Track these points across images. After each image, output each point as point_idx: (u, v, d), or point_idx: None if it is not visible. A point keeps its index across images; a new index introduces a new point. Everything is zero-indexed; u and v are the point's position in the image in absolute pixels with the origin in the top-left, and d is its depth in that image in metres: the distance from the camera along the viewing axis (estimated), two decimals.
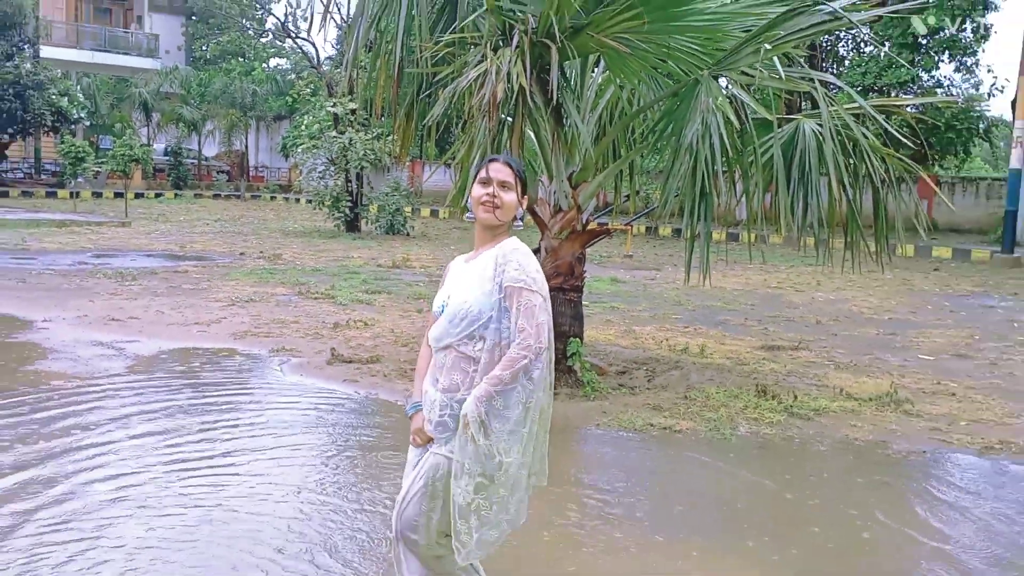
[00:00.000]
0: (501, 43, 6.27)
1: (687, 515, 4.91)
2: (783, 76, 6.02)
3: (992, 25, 24.77)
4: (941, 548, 4.58)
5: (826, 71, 27.55)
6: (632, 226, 19.33)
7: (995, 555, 4.52)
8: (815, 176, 6.93)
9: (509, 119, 6.50)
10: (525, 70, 6.01)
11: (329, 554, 4.16)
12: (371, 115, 7.16)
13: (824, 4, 6.47)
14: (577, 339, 7.48)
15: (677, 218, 7.19)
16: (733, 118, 5.98)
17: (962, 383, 8.21)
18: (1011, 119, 22.64)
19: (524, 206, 3.23)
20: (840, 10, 6.43)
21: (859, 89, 23.17)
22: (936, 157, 26.55)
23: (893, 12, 10.17)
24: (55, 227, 20.40)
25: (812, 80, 6.46)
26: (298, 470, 5.36)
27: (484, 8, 6.31)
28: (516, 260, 3.03)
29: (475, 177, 3.17)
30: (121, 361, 7.75)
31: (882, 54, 22.64)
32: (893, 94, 22.38)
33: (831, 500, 5.24)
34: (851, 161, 6.67)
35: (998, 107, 27.99)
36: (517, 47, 6.02)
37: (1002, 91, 26.41)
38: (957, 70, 25.31)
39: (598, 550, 4.37)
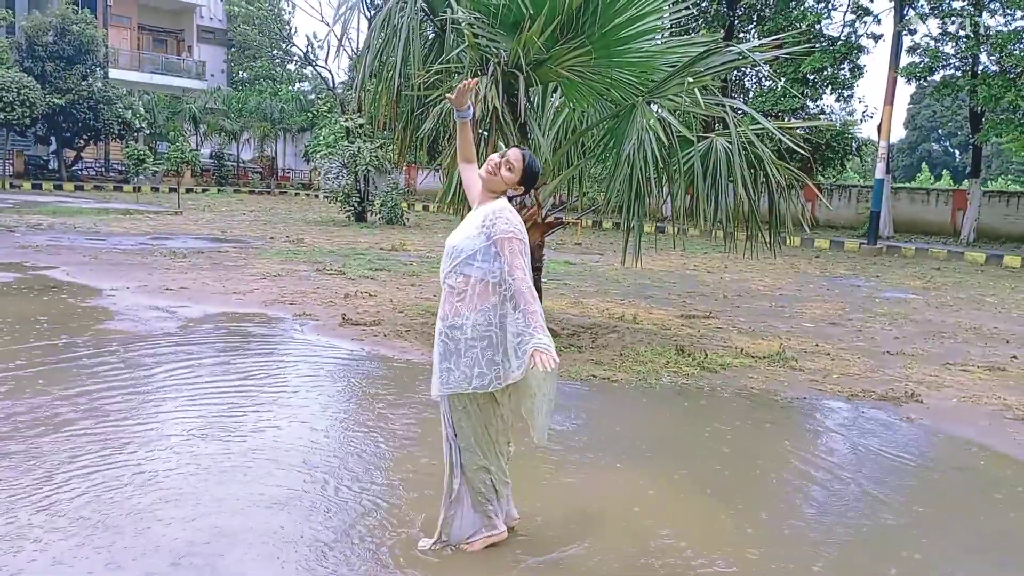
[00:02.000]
0: (479, 72, 6.22)
1: (620, 442, 4.94)
2: (702, 103, 6.00)
3: (865, 66, 24.89)
4: (808, 470, 4.64)
5: (735, 99, 27.68)
6: (582, 220, 19.28)
7: (850, 476, 4.59)
8: (724, 182, 6.95)
9: (485, 134, 6.46)
10: (498, 94, 5.98)
11: (340, 459, 4.16)
12: (375, 128, 7.02)
13: (733, 46, 6.48)
14: None
15: (617, 214, 7.21)
16: (662, 136, 5.98)
17: (835, 345, 8.30)
18: (877, 139, 22.82)
19: (519, 191, 3.23)
20: (746, 51, 6.45)
21: (759, 114, 23.25)
22: (819, 168, 26.74)
23: (787, 54, 10.19)
24: (120, 215, 20.04)
25: (724, 106, 6.46)
26: (316, 405, 5.34)
27: (466, 44, 6.25)
28: (504, 216, 3.05)
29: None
30: (174, 322, 7.64)
31: (778, 87, 22.63)
32: (786, 119, 22.42)
33: (728, 434, 5.28)
34: (752, 171, 6.68)
35: (868, 130, 28.07)
36: (492, 76, 5.98)
37: (871, 117, 26.63)
38: (837, 100, 25.46)
39: (554, 467, 4.39)
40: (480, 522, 3.29)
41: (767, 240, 7.36)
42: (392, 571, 3.16)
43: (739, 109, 6.72)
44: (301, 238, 16.66)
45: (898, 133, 54.96)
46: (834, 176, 28.45)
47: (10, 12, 29.81)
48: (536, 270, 7.59)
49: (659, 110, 6.36)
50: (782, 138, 6.60)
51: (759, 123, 6.68)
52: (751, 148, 6.86)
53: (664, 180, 6.96)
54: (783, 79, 22.01)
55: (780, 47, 10.10)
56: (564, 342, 7.65)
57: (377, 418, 5.11)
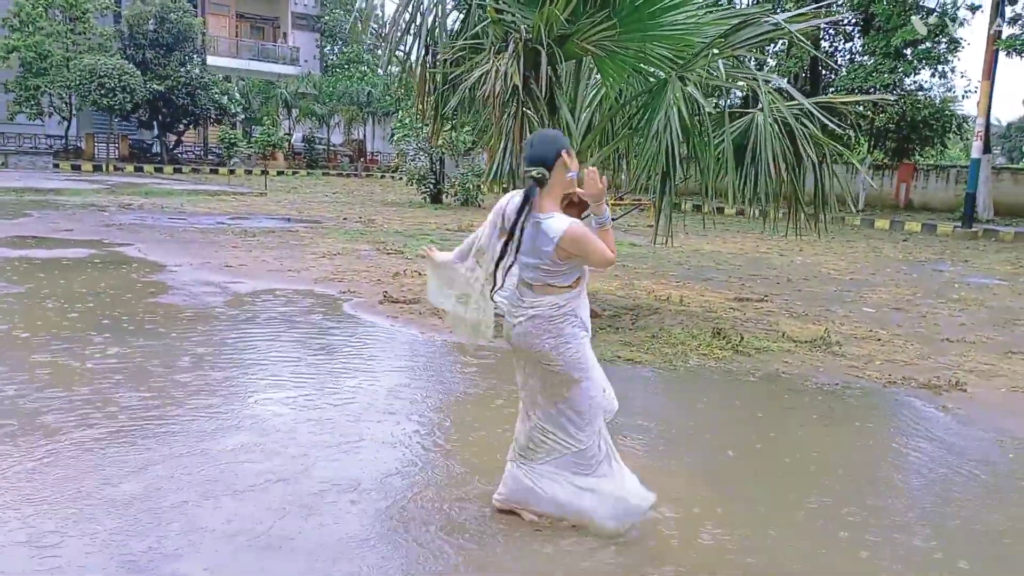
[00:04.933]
0: (503, 48, 6.19)
1: (627, 421, 4.87)
2: (723, 76, 5.79)
3: (963, 39, 23.45)
4: (818, 455, 4.47)
5: (824, 76, 26.57)
6: (651, 201, 18.97)
7: (853, 461, 4.39)
8: (764, 159, 6.71)
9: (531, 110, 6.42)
10: (519, 70, 5.93)
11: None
12: (417, 108, 7.09)
13: (768, 16, 6.23)
14: None
15: (695, 196, 7.08)
16: (684, 111, 5.82)
17: (890, 331, 7.92)
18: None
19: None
20: (783, 22, 6.19)
21: (849, 90, 22.27)
22: (916, 148, 25.44)
23: (830, 22, 9.67)
24: (208, 196, 20.91)
25: (756, 80, 6.23)
26: (326, 374, 5.46)
27: (488, 20, 6.23)
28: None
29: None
30: (221, 297, 7.94)
31: (869, 62, 21.60)
32: (877, 95, 21.40)
33: (742, 416, 5.14)
34: (790, 146, 6.41)
35: (972, 107, 26.47)
36: (512, 51, 5.94)
37: (973, 93, 25.07)
38: (933, 75, 24.05)
39: None
40: None
41: (808, 219, 7.06)
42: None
43: (773, 82, 6.44)
44: (373, 219, 17.00)
45: (1017, 111, 51.62)
46: (934, 156, 27.03)
47: (114, 2, 31.34)
48: None
49: (686, 85, 6.16)
50: (817, 113, 6.31)
51: (797, 99, 6.38)
52: (794, 123, 6.59)
53: (695, 156, 6.76)
54: (873, 54, 20.95)
55: (829, 14, 9.58)
56: (603, 323, 7.57)
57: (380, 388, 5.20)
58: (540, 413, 3.30)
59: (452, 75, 6.36)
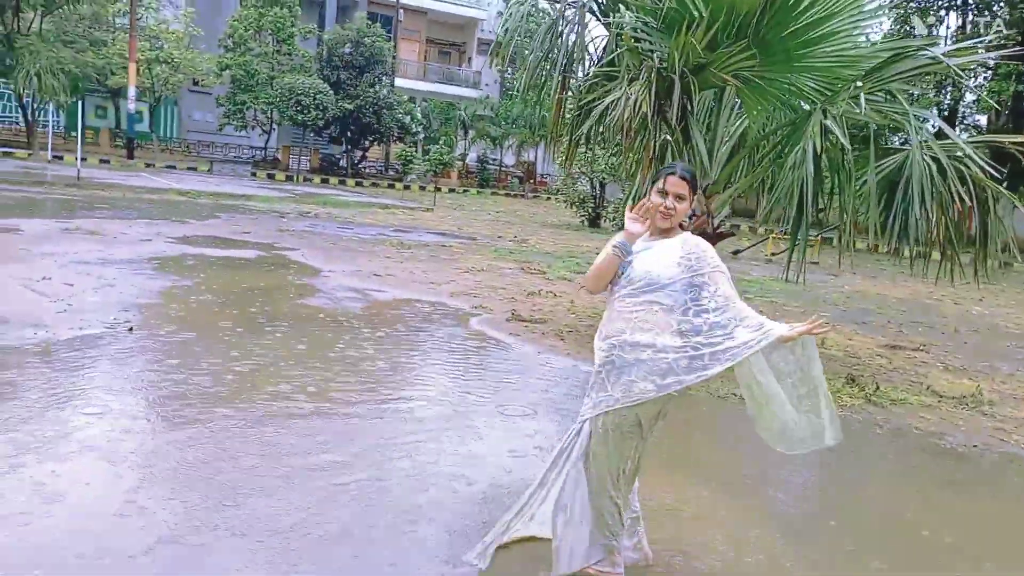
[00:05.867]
0: (637, 76, 6.18)
1: (718, 460, 4.70)
2: (863, 110, 5.47)
3: None
4: (928, 523, 4.10)
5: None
6: (816, 239, 18.08)
7: (970, 533, 3.99)
8: (917, 198, 6.27)
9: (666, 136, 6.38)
10: (649, 99, 5.90)
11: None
12: (549, 133, 7.20)
13: (927, 49, 5.85)
14: None
15: (867, 234, 6.76)
16: (818, 144, 5.56)
17: None
18: None
19: (694, 204, 3.12)
20: (940, 55, 5.79)
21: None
22: None
23: (998, 57, 8.81)
24: (380, 208, 22.06)
25: (907, 115, 5.84)
26: (436, 378, 5.64)
27: (625, 47, 6.24)
28: (709, 251, 3.02)
29: (653, 183, 3.09)
30: (361, 303, 8.38)
31: None
32: None
33: (852, 472, 4.81)
34: (940, 187, 5.95)
35: None
36: (644, 80, 5.92)
37: None
38: None
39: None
40: (597, 554, 3.10)
41: (964, 264, 6.53)
42: None
43: (925, 118, 6.01)
44: (527, 239, 17.30)
45: None
46: None
47: (316, 27, 33.90)
48: None
49: (828, 120, 5.87)
50: (969, 154, 5.82)
51: (951, 136, 5.92)
52: (950, 162, 6.13)
53: (833, 194, 6.43)
54: None
55: (1003, 47, 8.73)
56: None
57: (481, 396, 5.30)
58: None
59: (585, 102, 6.42)
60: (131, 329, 6.28)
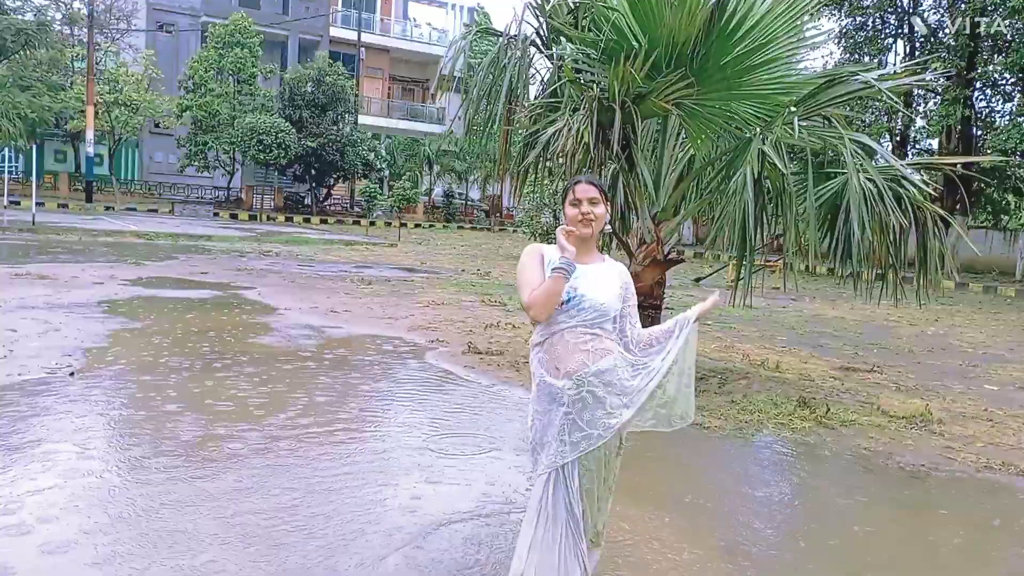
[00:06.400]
0: (579, 106, 6.23)
1: (662, 486, 4.67)
2: (795, 135, 5.57)
3: None
4: (875, 542, 4.09)
5: (976, 135, 25.01)
6: (777, 263, 18.32)
7: (914, 551, 3.99)
8: (857, 221, 6.37)
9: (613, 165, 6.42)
10: (591, 128, 5.95)
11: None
12: (494, 166, 7.24)
13: (859, 74, 5.98)
14: None
15: (825, 258, 6.92)
16: (756, 169, 5.64)
17: (1007, 411, 7.22)
18: None
19: (609, 213, 3.10)
20: (872, 80, 5.92)
21: (1003, 151, 20.86)
22: None
23: (919, 84, 9.08)
24: (343, 245, 21.99)
25: (843, 139, 5.95)
26: (389, 412, 5.56)
27: (566, 79, 6.31)
28: (632, 283, 3.17)
29: (564, 199, 3.07)
30: (316, 340, 8.29)
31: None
32: None
33: (793, 492, 4.80)
34: (878, 209, 6.06)
35: None
36: (584, 111, 5.98)
37: None
38: None
39: None
40: None
41: (898, 283, 6.63)
42: None
43: (862, 143, 6.13)
44: (489, 271, 17.31)
45: None
46: None
47: (278, 67, 34.01)
48: (655, 308, 7.36)
49: (767, 146, 5.96)
50: (905, 178, 5.94)
51: (888, 160, 6.04)
52: (885, 185, 6.24)
53: (778, 218, 6.51)
54: None
55: (925, 71, 9.00)
56: None
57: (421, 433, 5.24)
58: None
59: (530, 132, 6.47)
60: (72, 374, 6.14)
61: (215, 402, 5.69)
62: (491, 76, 6.80)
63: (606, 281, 3.03)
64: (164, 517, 3.72)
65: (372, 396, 6.38)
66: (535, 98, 6.87)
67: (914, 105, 24.93)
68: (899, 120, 24.04)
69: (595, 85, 6.12)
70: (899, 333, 12.49)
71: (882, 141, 25.62)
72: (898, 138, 25.62)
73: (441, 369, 7.38)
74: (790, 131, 5.79)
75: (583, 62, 6.46)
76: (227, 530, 3.63)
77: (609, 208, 3.07)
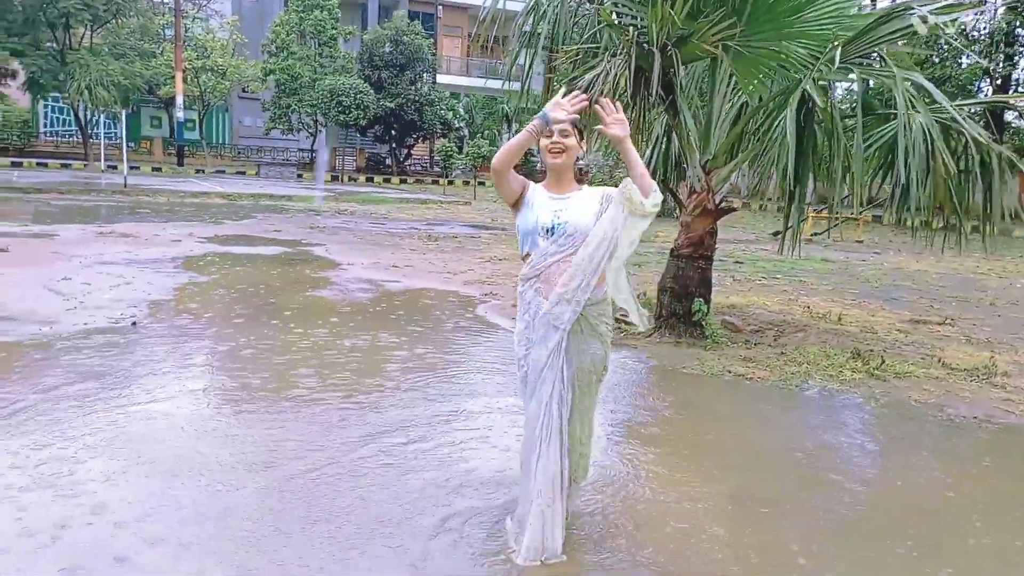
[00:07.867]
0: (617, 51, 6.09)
1: (692, 438, 4.62)
2: (832, 71, 5.28)
3: None
4: (900, 497, 3.95)
5: None
6: (862, 215, 17.61)
7: (950, 506, 3.83)
8: (917, 167, 6.05)
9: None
10: (628, 73, 5.82)
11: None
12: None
13: (914, 9, 5.63)
14: (701, 299, 7.11)
15: (920, 211, 6.54)
16: (793, 113, 5.41)
17: None
18: None
19: (583, 149, 3.13)
20: (928, 13, 5.57)
21: None
22: None
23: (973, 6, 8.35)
24: (418, 204, 22.24)
25: (894, 78, 5.63)
26: (431, 359, 5.66)
27: (604, 23, 6.16)
28: (612, 191, 3.08)
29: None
30: (371, 294, 8.46)
31: None
32: None
33: (831, 447, 4.64)
34: (939, 150, 5.72)
35: None
36: (623, 54, 5.84)
37: None
38: None
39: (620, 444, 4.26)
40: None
41: (968, 233, 6.28)
42: None
43: (917, 82, 5.78)
44: None
45: None
46: None
47: (359, 28, 34.31)
48: (706, 259, 7.21)
49: (812, 87, 5.70)
50: (959, 120, 5.58)
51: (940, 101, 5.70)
52: (932, 128, 5.89)
53: (830, 164, 6.24)
54: None
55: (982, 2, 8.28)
56: (741, 338, 7.20)
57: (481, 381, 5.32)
58: None
59: (570, 78, 6.35)
60: (134, 323, 6.48)
61: (260, 352, 5.91)
62: (530, 22, 6.68)
63: (586, 205, 3.07)
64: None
65: (415, 346, 6.50)
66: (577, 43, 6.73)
67: (1016, 46, 23.24)
68: (999, 62, 22.48)
69: (633, 28, 5.96)
70: (985, 285, 11.88)
71: (981, 84, 24.05)
72: (999, 81, 23.96)
73: (487, 322, 7.45)
74: (831, 68, 5.51)
75: (622, 4, 6.29)
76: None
77: (582, 144, 3.05)
